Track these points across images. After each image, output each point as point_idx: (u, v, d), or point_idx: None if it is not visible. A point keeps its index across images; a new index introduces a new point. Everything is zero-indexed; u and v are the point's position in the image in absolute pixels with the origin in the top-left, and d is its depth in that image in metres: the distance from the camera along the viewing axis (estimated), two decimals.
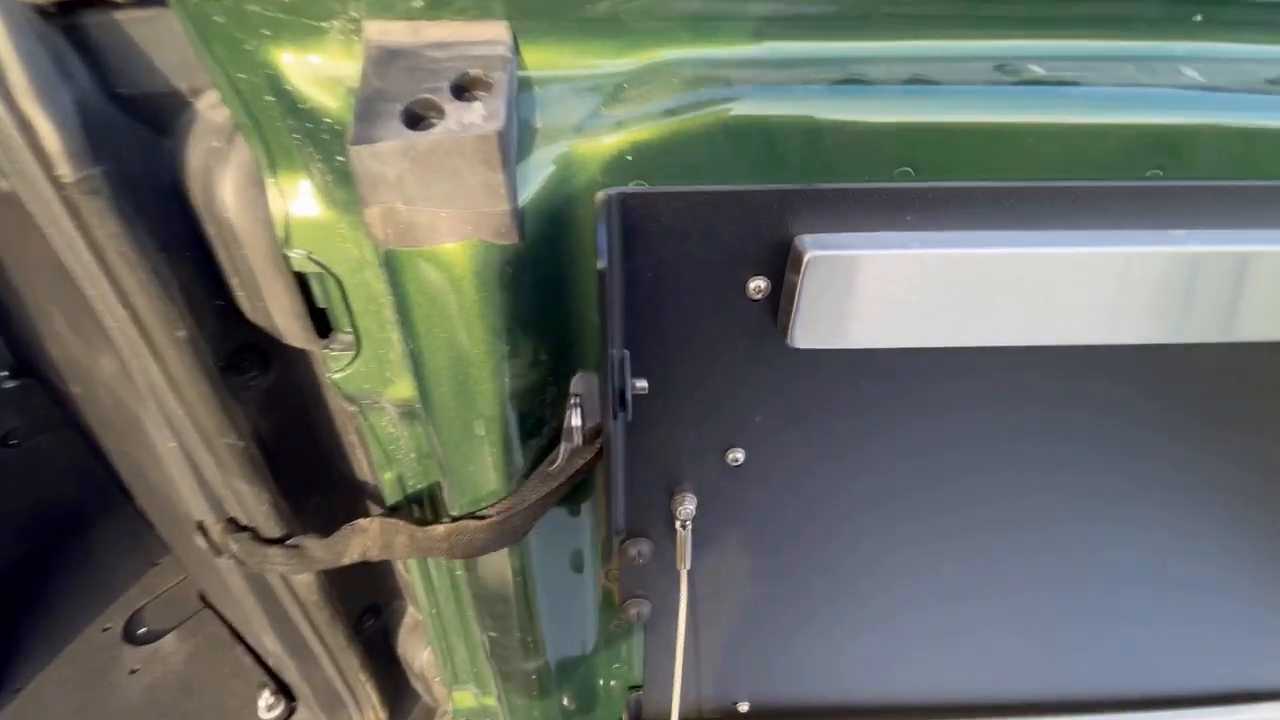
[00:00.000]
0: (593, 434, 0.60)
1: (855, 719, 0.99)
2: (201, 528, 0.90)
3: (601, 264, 0.47)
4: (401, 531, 0.74)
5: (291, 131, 0.49)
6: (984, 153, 0.53)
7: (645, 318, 0.58)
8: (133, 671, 1.24)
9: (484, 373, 0.54)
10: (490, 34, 0.45)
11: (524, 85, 0.48)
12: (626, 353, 0.58)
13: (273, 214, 0.54)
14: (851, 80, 0.50)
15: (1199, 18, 0.52)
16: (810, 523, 0.78)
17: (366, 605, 1.07)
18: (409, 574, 0.94)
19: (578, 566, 0.87)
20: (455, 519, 0.67)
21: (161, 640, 1.29)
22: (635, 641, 0.96)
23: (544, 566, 0.78)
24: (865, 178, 0.54)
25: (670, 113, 0.49)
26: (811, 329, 0.57)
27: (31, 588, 1.38)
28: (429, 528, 0.69)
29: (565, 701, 0.92)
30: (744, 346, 0.62)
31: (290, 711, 1.18)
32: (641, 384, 0.58)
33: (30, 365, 1.39)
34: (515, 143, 0.48)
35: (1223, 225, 0.56)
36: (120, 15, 0.50)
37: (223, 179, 0.55)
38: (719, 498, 0.76)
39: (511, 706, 0.90)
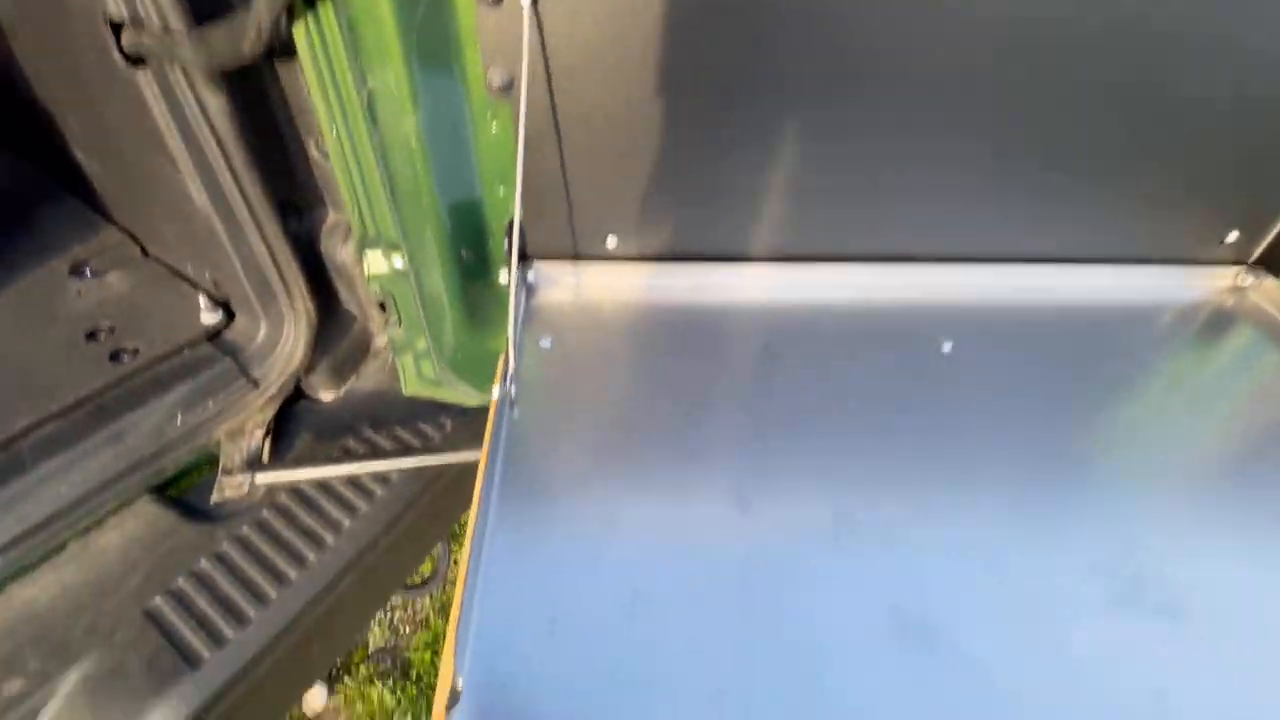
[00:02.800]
0: None
1: (729, 263, 1.05)
2: (118, 27, 0.86)
3: None
4: None
5: None
6: None
7: None
8: (78, 293, 1.29)
9: None
10: None
11: None
12: None
13: None
14: None
15: None
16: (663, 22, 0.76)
17: (284, 199, 1.08)
18: (318, 110, 0.91)
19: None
20: None
21: (104, 275, 1.33)
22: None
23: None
24: None
25: None
26: None
27: None
28: None
29: (462, 251, 1.00)
30: None
31: (230, 317, 1.22)
32: None
33: None
34: None
35: None
36: None
37: None
38: None
39: (410, 244, 0.96)
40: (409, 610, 2.45)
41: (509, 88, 0.84)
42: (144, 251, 1.37)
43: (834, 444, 0.83)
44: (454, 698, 0.53)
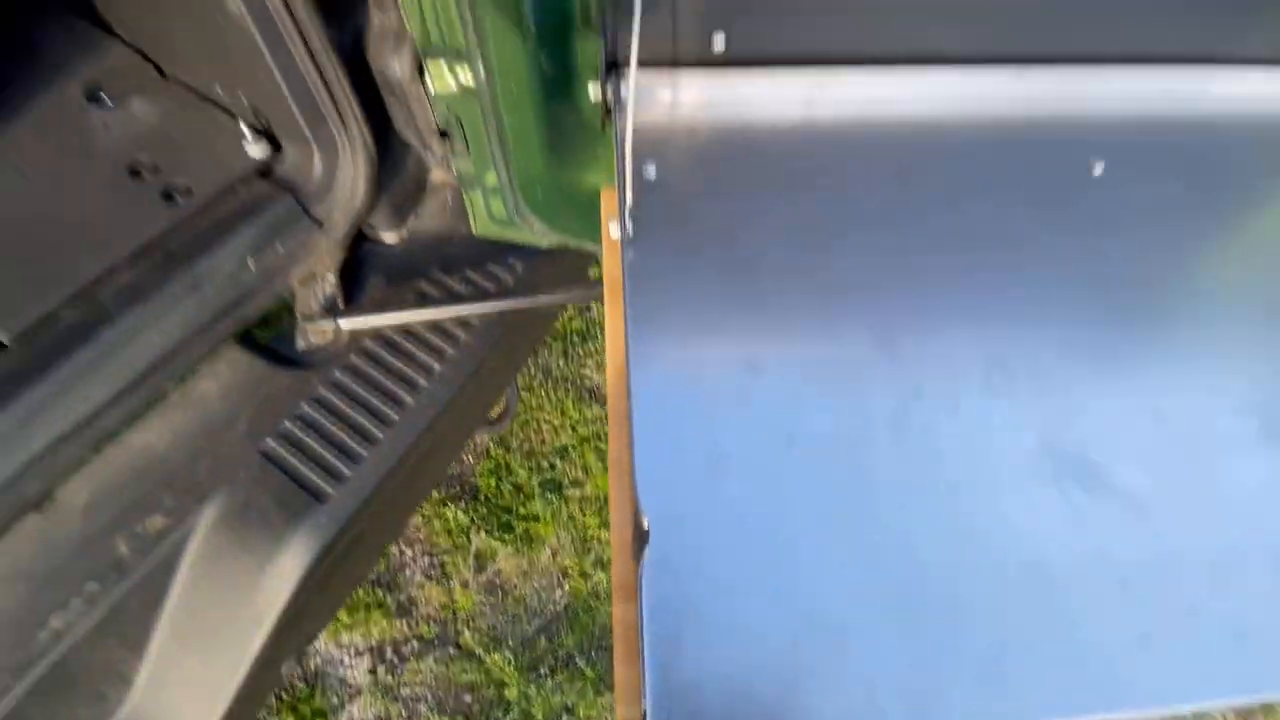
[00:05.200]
0: None
1: (854, 67, 0.91)
2: None
3: None
4: None
5: None
6: None
7: None
8: (105, 126, 1.16)
9: None
10: None
11: None
12: None
13: None
14: None
15: None
16: None
17: None
18: None
19: None
20: None
21: (127, 102, 1.18)
22: None
23: None
24: None
25: None
26: None
27: None
28: None
29: (543, 60, 0.87)
30: None
31: (276, 148, 1.11)
32: None
33: None
34: None
35: None
36: None
37: None
38: None
39: (484, 51, 0.83)
40: (470, 443, 2.61)
41: None
42: (160, 72, 1.21)
43: (979, 279, 0.76)
44: (642, 537, 0.53)
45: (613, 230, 0.74)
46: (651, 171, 0.84)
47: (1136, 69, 0.94)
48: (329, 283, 1.13)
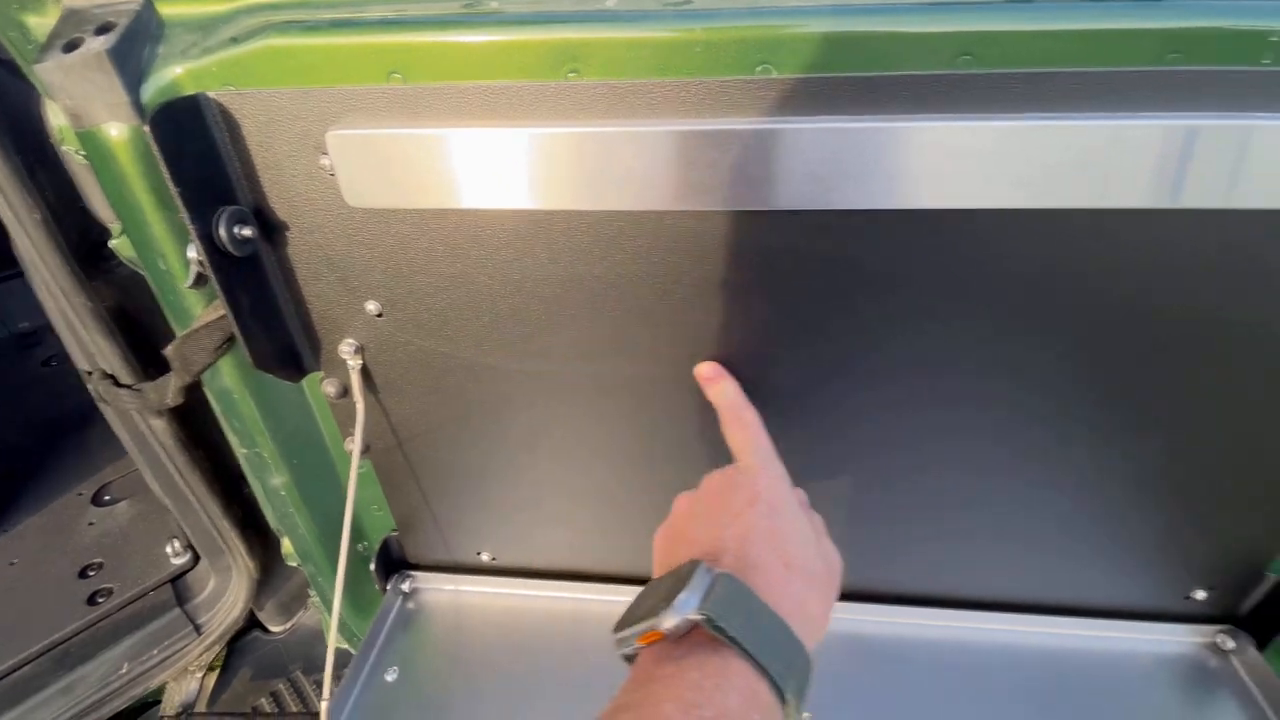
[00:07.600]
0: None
1: (588, 583, 1.04)
2: (89, 374, 1.09)
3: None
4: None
5: None
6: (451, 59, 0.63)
7: (252, 183, 0.70)
8: (90, 524, 1.54)
9: (151, 219, 0.71)
10: None
11: (158, 30, 0.67)
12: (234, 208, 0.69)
13: (51, 124, 0.73)
14: (349, 19, 0.64)
15: None
16: (466, 368, 0.82)
17: (225, 484, 1.23)
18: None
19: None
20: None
21: (117, 505, 1.58)
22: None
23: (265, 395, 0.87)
24: (376, 83, 0.64)
25: (235, 41, 0.65)
26: (355, 193, 0.69)
27: (37, 466, 1.72)
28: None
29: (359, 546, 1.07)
30: (329, 210, 0.71)
31: (195, 561, 1.38)
32: (249, 230, 0.69)
33: None
34: (139, 60, 0.65)
35: None
36: None
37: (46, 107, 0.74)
38: (376, 343, 0.82)
39: (291, 533, 1.03)
40: None
41: (365, 450, 0.93)
42: None
43: None
44: None
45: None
46: (393, 675, 0.97)
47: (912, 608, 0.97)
48: (194, 680, 1.29)
